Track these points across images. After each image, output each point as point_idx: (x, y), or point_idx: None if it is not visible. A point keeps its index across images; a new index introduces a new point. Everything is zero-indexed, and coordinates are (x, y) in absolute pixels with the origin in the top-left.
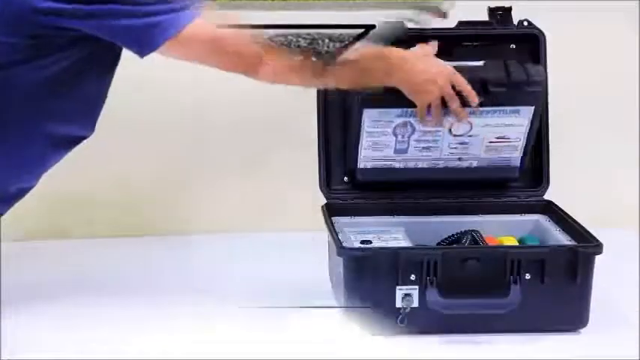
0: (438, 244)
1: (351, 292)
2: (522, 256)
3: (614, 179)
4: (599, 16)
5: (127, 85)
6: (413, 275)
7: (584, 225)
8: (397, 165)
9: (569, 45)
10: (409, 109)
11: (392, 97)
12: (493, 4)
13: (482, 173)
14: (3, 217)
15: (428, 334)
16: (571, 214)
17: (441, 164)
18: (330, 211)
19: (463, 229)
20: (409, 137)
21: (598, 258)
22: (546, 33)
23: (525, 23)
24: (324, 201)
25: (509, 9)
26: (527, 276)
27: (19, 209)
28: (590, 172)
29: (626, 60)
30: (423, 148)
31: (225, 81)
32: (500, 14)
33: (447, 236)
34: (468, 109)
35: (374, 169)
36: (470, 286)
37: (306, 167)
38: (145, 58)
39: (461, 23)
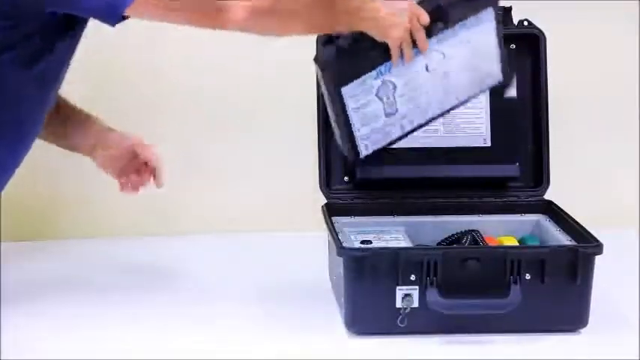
0: (438, 244)
1: (351, 292)
2: (522, 256)
3: (614, 179)
4: (599, 16)
5: (129, 84)
6: (413, 275)
7: (584, 225)
8: (394, 131)
9: (569, 45)
10: (381, 67)
11: (360, 61)
12: None
13: (483, 170)
14: (3, 217)
15: (428, 334)
16: (571, 214)
17: (434, 106)
18: (330, 211)
19: (463, 229)
20: (394, 95)
21: (598, 258)
22: (546, 33)
23: (525, 23)
24: (324, 201)
25: (510, 9)
26: (528, 276)
27: (19, 209)
28: (590, 172)
29: (626, 60)
30: (408, 99)
31: (227, 80)
32: (500, 14)
33: (447, 236)
34: (435, 38)
35: (375, 168)
36: (470, 286)
37: (306, 167)
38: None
39: None
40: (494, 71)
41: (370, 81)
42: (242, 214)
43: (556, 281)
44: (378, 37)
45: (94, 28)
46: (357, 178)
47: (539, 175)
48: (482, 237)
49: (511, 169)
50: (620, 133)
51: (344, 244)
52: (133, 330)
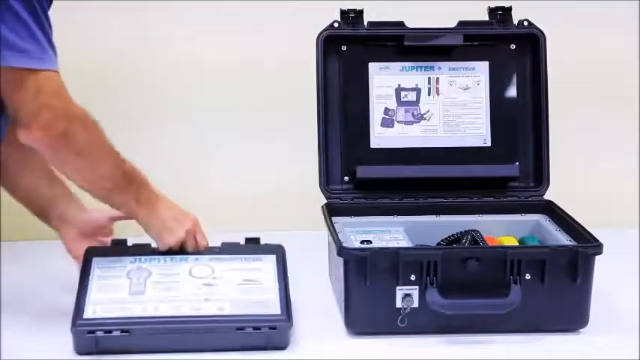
0: (438, 244)
1: (351, 292)
2: (522, 256)
3: (614, 179)
4: (598, 15)
5: (129, 84)
6: (413, 275)
7: (584, 225)
8: (135, 309)
9: (569, 45)
10: (142, 256)
11: (122, 248)
12: (493, 4)
13: (483, 170)
14: (3, 217)
15: (428, 334)
16: (571, 214)
17: (189, 306)
18: (330, 211)
19: (463, 229)
20: (145, 280)
21: (598, 258)
22: (546, 33)
23: (525, 23)
24: (324, 201)
25: (509, 9)
26: (528, 276)
27: (19, 209)
28: (590, 172)
29: (626, 60)
30: (163, 288)
31: (227, 81)
32: (500, 14)
33: (446, 236)
34: (208, 257)
35: (375, 168)
36: (470, 286)
37: (306, 167)
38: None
39: (461, 23)
40: (271, 306)
41: (126, 263)
42: (242, 214)
43: (556, 281)
44: (153, 236)
45: (97, 28)
46: (357, 178)
47: (539, 175)
48: (483, 237)
49: (511, 169)
50: (620, 133)
51: (344, 244)
52: None
